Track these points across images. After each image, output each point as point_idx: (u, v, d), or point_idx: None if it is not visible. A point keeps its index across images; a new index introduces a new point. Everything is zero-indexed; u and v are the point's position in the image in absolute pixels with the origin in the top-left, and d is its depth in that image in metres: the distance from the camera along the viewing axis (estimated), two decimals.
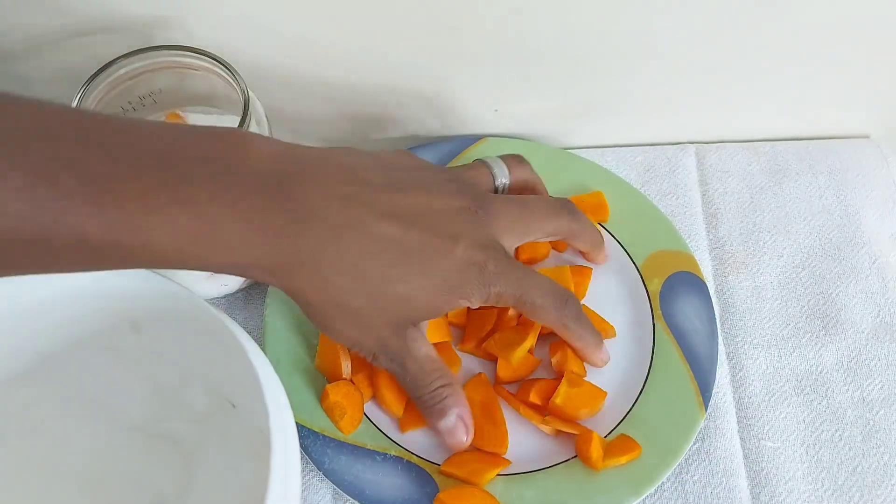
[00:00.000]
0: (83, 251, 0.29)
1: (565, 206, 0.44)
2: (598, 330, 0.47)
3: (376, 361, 0.40)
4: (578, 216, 0.45)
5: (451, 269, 0.37)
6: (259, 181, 0.32)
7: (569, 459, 0.44)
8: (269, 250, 0.33)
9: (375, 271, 0.35)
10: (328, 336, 0.40)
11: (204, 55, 0.43)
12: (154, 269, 0.38)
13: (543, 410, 0.45)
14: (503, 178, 0.45)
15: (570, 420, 0.45)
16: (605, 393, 0.45)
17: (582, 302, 0.49)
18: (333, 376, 0.46)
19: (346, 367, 0.45)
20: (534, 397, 0.45)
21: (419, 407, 0.41)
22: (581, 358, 0.46)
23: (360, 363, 0.46)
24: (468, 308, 0.41)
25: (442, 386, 0.40)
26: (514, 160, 0.46)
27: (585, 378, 0.46)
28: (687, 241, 0.51)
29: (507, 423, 0.44)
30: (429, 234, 0.36)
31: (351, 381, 0.45)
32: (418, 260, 0.36)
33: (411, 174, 0.39)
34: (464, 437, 0.41)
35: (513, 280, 0.39)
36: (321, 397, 0.45)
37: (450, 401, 0.40)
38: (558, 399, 0.44)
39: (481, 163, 0.45)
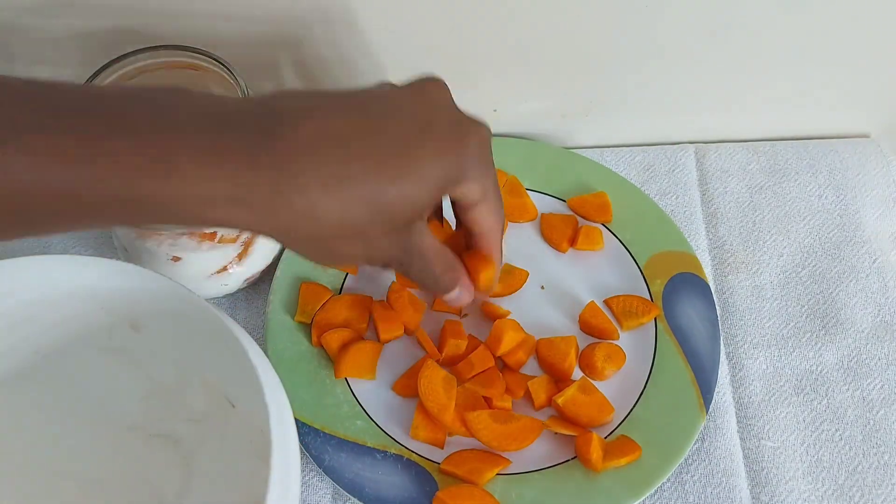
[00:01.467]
0: (23, 209, 0.28)
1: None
2: (602, 330, 0.47)
3: (388, 268, 0.37)
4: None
5: (440, 151, 0.33)
6: (212, 115, 0.30)
7: (569, 460, 0.44)
8: (236, 179, 0.29)
9: (365, 177, 0.32)
10: (332, 265, 0.38)
11: (204, 55, 0.43)
12: (151, 266, 0.38)
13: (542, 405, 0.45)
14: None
15: (570, 422, 0.45)
16: (613, 409, 0.45)
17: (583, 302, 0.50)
18: None
19: None
20: (536, 390, 0.45)
21: (424, 289, 0.41)
22: (477, 267, 0.41)
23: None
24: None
25: (447, 274, 0.38)
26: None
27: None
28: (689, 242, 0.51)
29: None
30: (407, 120, 0.33)
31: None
32: (407, 150, 0.33)
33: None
34: (465, 301, 0.40)
35: (486, 172, 0.36)
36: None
37: (454, 284, 0.38)
38: (561, 399, 0.44)
39: None
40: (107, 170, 0.28)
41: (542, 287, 0.50)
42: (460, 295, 0.39)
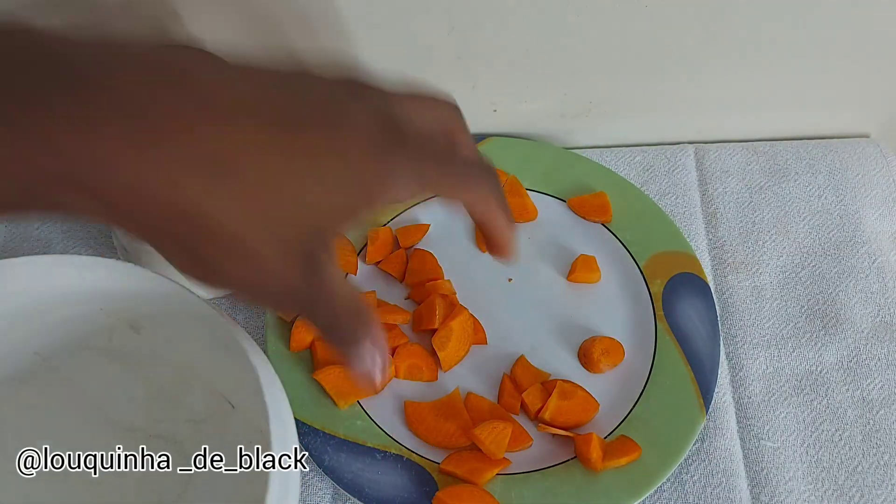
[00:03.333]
0: None
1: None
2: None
3: (282, 309, 0.30)
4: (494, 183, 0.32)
5: (363, 148, 0.26)
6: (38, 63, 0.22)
7: (568, 460, 0.44)
8: (58, 145, 0.21)
9: (257, 170, 0.23)
10: (209, 287, 0.28)
11: None
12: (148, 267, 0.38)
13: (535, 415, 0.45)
14: None
15: (562, 428, 0.45)
16: (598, 405, 0.45)
17: (583, 305, 0.50)
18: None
19: None
20: (531, 400, 0.45)
21: (331, 346, 0.30)
22: (491, 240, 0.33)
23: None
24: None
25: (357, 328, 0.29)
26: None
27: (587, 379, 0.46)
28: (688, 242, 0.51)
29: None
30: (320, 108, 0.25)
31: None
32: (317, 145, 0.25)
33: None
34: (375, 381, 0.30)
35: (439, 155, 0.28)
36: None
37: (361, 335, 0.29)
38: (547, 414, 0.44)
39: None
40: None
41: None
42: (371, 362, 0.29)
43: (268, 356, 0.42)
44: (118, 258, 0.47)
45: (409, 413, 0.45)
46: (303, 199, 0.24)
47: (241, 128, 0.23)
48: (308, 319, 0.29)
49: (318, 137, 0.25)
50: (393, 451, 0.44)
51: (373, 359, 0.29)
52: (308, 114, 0.25)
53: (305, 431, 0.44)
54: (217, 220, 0.23)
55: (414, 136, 0.27)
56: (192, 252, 0.24)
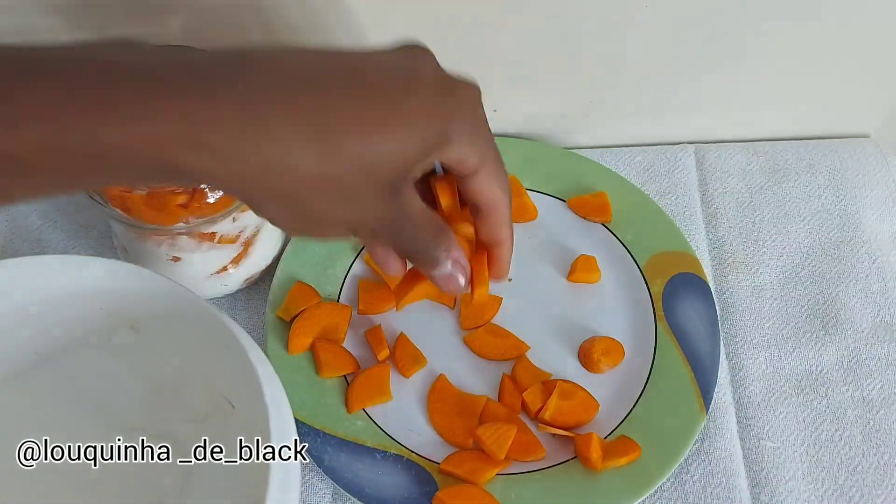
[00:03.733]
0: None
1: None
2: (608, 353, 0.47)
3: (375, 239, 0.35)
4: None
5: (427, 103, 0.30)
6: (160, 60, 0.27)
7: (568, 460, 0.44)
8: (190, 115, 0.26)
9: (346, 126, 0.28)
10: (314, 235, 0.33)
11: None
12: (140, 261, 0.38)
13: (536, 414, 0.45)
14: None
15: (562, 428, 0.45)
16: (598, 405, 0.45)
17: (582, 304, 0.50)
18: None
19: None
20: (532, 400, 0.45)
21: (413, 261, 0.36)
22: (491, 265, 0.38)
23: None
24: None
25: (435, 236, 0.34)
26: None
27: (588, 379, 0.46)
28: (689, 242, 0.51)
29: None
30: (391, 73, 0.30)
31: None
32: (392, 99, 0.29)
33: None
34: (461, 282, 0.35)
35: (479, 132, 0.33)
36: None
37: (444, 250, 0.34)
38: (547, 414, 0.44)
39: None
40: (35, 122, 0.25)
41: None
42: (454, 272, 0.35)
43: (268, 356, 0.42)
44: (118, 258, 0.47)
45: (435, 388, 0.46)
46: (388, 146, 0.29)
47: (332, 96, 0.28)
48: (396, 247, 0.34)
49: (397, 93, 0.29)
50: (393, 451, 0.44)
51: (455, 270, 0.35)
52: (384, 75, 0.30)
53: (305, 431, 0.44)
54: (321, 172, 0.28)
55: (465, 95, 0.32)
56: (300, 204, 0.29)
